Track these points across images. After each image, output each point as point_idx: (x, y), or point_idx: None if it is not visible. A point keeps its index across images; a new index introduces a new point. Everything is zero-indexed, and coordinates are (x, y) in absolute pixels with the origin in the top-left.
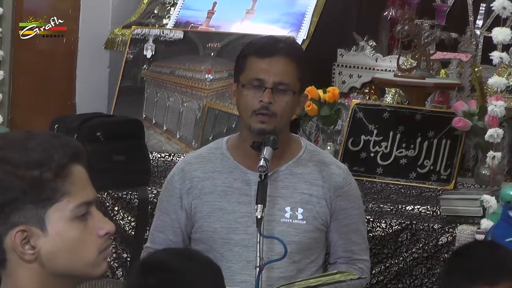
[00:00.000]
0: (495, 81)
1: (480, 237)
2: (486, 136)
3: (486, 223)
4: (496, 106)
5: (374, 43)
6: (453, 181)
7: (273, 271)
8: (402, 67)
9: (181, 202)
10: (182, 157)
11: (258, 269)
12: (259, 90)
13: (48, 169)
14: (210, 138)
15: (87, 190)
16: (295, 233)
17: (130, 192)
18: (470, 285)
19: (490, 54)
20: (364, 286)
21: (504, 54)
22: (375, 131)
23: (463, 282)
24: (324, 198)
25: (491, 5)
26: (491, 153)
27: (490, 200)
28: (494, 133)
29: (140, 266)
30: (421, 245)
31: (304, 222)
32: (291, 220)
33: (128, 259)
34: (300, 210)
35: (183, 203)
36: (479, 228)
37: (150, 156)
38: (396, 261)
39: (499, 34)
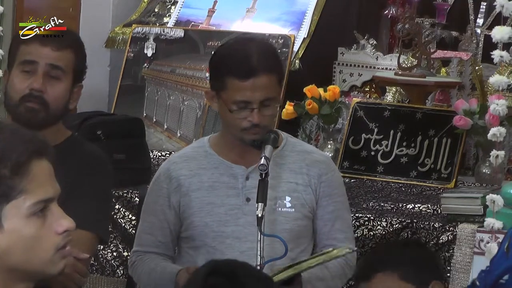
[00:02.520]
0: (497, 79)
1: (481, 235)
2: (488, 135)
3: (494, 223)
4: (498, 105)
5: (375, 42)
6: (454, 179)
7: (265, 261)
8: (403, 65)
9: (169, 202)
10: None
11: (258, 267)
12: (246, 110)
13: (4, 166)
14: None
15: (47, 187)
16: (285, 221)
17: (130, 191)
18: (357, 286)
19: (491, 52)
20: (349, 276)
21: (504, 53)
22: (375, 130)
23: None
24: (309, 185)
25: (495, 3)
26: (494, 152)
27: (496, 199)
28: (496, 132)
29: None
30: None
31: (293, 210)
32: (280, 209)
33: (129, 257)
34: (288, 199)
35: (171, 201)
36: (479, 227)
37: (151, 154)
38: None
39: (497, 33)
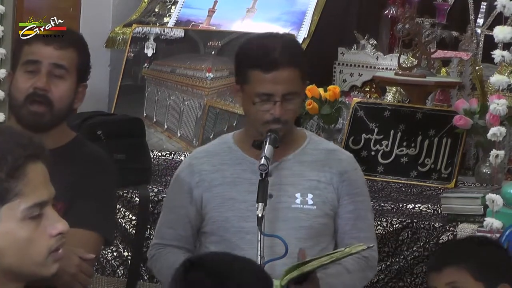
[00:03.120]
0: (497, 79)
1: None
2: (488, 134)
3: (495, 223)
4: (498, 105)
5: (375, 42)
6: (454, 179)
7: (287, 256)
8: (403, 65)
9: (190, 197)
10: (184, 155)
11: None
12: (268, 103)
13: (0, 169)
14: (211, 136)
15: (42, 190)
16: (306, 218)
17: (130, 191)
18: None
19: (491, 52)
20: (370, 278)
21: (506, 53)
22: (376, 130)
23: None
24: (331, 183)
25: (495, 3)
26: (494, 152)
27: (496, 199)
28: (497, 131)
29: (187, 263)
30: (422, 244)
31: (314, 207)
32: (301, 206)
33: (129, 257)
34: (310, 196)
35: (193, 196)
36: (480, 227)
37: (151, 154)
38: (397, 259)
39: (499, 33)
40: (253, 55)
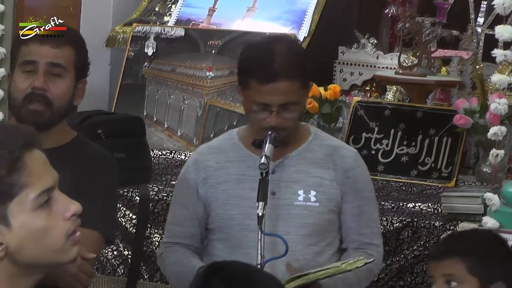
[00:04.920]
0: (498, 78)
1: None
2: (489, 134)
3: (490, 222)
4: (499, 104)
5: (375, 41)
6: (454, 178)
7: (290, 254)
8: (403, 64)
9: (197, 193)
10: (184, 154)
11: (258, 266)
12: (265, 111)
13: (0, 166)
14: (211, 135)
15: (45, 177)
16: (310, 215)
17: (131, 190)
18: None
19: (492, 52)
20: (375, 273)
21: (508, 52)
22: (376, 129)
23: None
24: (335, 180)
25: (493, 2)
26: (494, 151)
27: (492, 198)
28: (497, 130)
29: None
30: (422, 243)
31: (318, 204)
32: (304, 203)
33: (129, 256)
34: (313, 193)
35: (199, 193)
36: (480, 226)
37: (151, 153)
38: (397, 258)
39: (504, 31)
40: (252, 65)
